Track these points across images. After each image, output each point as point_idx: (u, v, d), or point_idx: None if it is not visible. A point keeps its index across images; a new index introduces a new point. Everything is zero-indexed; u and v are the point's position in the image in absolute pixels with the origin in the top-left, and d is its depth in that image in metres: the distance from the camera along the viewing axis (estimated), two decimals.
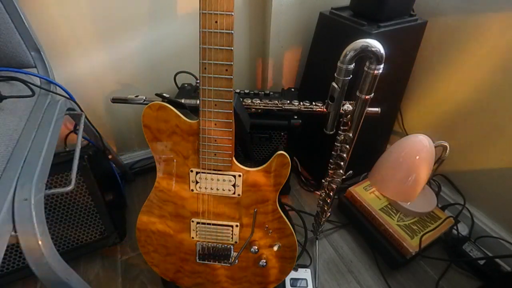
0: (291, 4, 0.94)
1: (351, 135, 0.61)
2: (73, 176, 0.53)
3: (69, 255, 0.81)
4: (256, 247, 0.64)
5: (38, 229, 0.41)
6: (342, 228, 0.98)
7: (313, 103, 0.79)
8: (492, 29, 0.77)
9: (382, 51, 0.49)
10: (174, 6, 0.87)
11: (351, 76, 0.53)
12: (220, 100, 0.49)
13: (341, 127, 0.62)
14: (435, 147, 0.80)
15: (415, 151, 0.80)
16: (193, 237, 0.65)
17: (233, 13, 0.43)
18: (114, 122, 1.03)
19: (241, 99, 0.80)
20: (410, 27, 0.85)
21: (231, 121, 0.51)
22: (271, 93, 0.89)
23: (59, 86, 0.67)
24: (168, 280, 0.73)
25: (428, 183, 0.98)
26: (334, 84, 0.54)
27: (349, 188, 0.99)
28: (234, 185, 0.58)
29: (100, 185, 0.75)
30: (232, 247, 0.66)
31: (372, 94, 0.55)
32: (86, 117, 0.70)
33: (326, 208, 0.78)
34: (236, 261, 0.66)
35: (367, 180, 1.00)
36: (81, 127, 0.65)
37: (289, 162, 0.55)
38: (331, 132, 0.62)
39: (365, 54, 0.50)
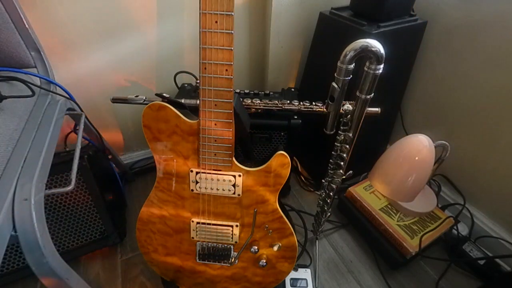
0: (291, 4, 0.94)
1: (351, 135, 0.61)
2: (73, 176, 0.53)
3: (69, 255, 0.81)
4: (256, 247, 0.64)
5: (38, 229, 0.41)
6: (342, 228, 0.98)
7: (313, 103, 0.79)
8: (492, 29, 0.77)
9: (382, 51, 0.49)
10: (174, 6, 0.87)
11: (351, 76, 0.53)
12: (220, 100, 0.49)
13: (341, 127, 0.62)
14: (435, 147, 0.80)
15: (415, 151, 0.80)
16: (193, 237, 0.65)
17: (233, 13, 0.43)
18: (114, 122, 1.03)
19: (241, 99, 0.80)
20: (410, 27, 0.85)
21: (231, 121, 0.51)
22: (271, 93, 0.89)
23: (59, 86, 0.67)
24: (168, 280, 0.73)
25: (428, 183, 0.98)
26: (334, 84, 0.54)
27: (349, 188, 0.99)
28: (234, 185, 0.58)
29: (100, 185, 0.75)
30: (232, 247, 0.65)
31: (372, 94, 0.55)
32: (86, 117, 0.70)
33: (326, 208, 0.78)
34: (236, 261, 0.66)
35: (367, 180, 1.00)
36: (81, 127, 0.65)
37: (289, 162, 0.55)
38: (331, 132, 0.62)
39: (365, 54, 0.50)
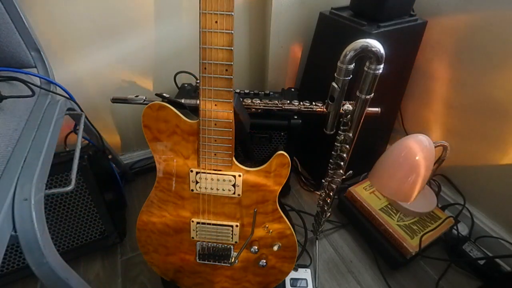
0: (291, 4, 0.94)
1: (351, 135, 0.61)
2: (73, 176, 0.53)
3: (69, 255, 0.81)
4: (256, 247, 0.64)
5: (38, 229, 0.41)
6: (342, 228, 0.98)
7: (313, 103, 0.79)
8: (492, 29, 0.77)
9: (382, 51, 0.49)
10: (174, 6, 0.87)
11: (351, 76, 0.53)
12: (220, 100, 0.49)
13: (341, 127, 0.62)
14: (435, 147, 0.80)
15: (415, 151, 0.80)
16: (193, 237, 0.65)
17: (233, 13, 0.43)
18: (114, 122, 1.03)
19: (241, 99, 0.80)
20: (410, 27, 0.85)
21: (231, 121, 0.51)
22: (271, 93, 0.89)
23: (59, 86, 0.67)
24: (168, 280, 0.73)
25: (428, 183, 0.98)
26: (334, 84, 0.54)
27: (349, 188, 0.99)
28: (234, 185, 0.58)
29: (100, 185, 0.75)
30: (232, 247, 0.65)
31: (372, 94, 0.55)
32: (86, 117, 0.70)
33: (326, 208, 0.78)
34: (236, 261, 0.66)
35: (367, 180, 1.00)
36: (81, 127, 0.65)
37: (289, 162, 0.55)
38: (331, 132, 0.62)
39: (365, 54, 0.50)
